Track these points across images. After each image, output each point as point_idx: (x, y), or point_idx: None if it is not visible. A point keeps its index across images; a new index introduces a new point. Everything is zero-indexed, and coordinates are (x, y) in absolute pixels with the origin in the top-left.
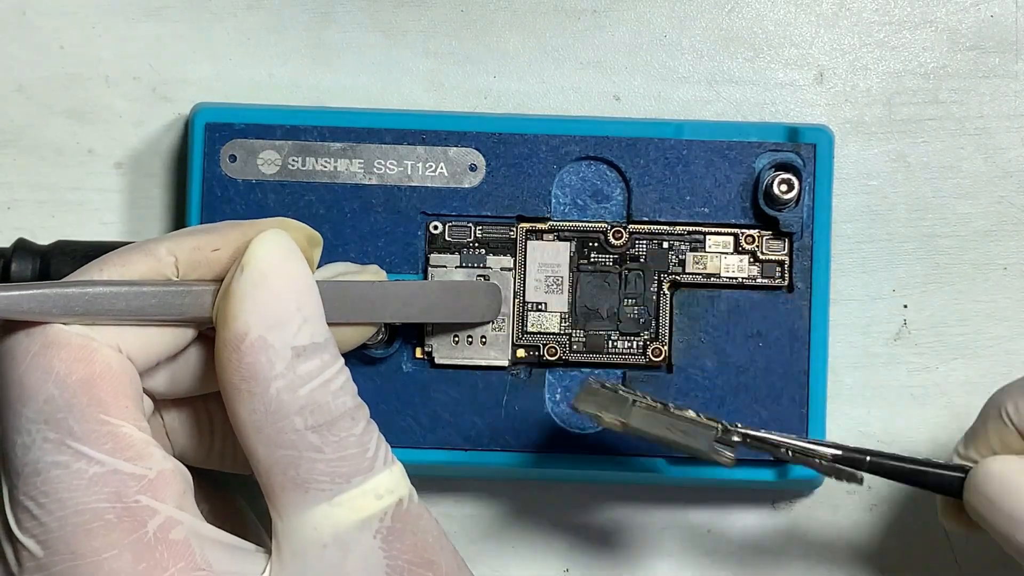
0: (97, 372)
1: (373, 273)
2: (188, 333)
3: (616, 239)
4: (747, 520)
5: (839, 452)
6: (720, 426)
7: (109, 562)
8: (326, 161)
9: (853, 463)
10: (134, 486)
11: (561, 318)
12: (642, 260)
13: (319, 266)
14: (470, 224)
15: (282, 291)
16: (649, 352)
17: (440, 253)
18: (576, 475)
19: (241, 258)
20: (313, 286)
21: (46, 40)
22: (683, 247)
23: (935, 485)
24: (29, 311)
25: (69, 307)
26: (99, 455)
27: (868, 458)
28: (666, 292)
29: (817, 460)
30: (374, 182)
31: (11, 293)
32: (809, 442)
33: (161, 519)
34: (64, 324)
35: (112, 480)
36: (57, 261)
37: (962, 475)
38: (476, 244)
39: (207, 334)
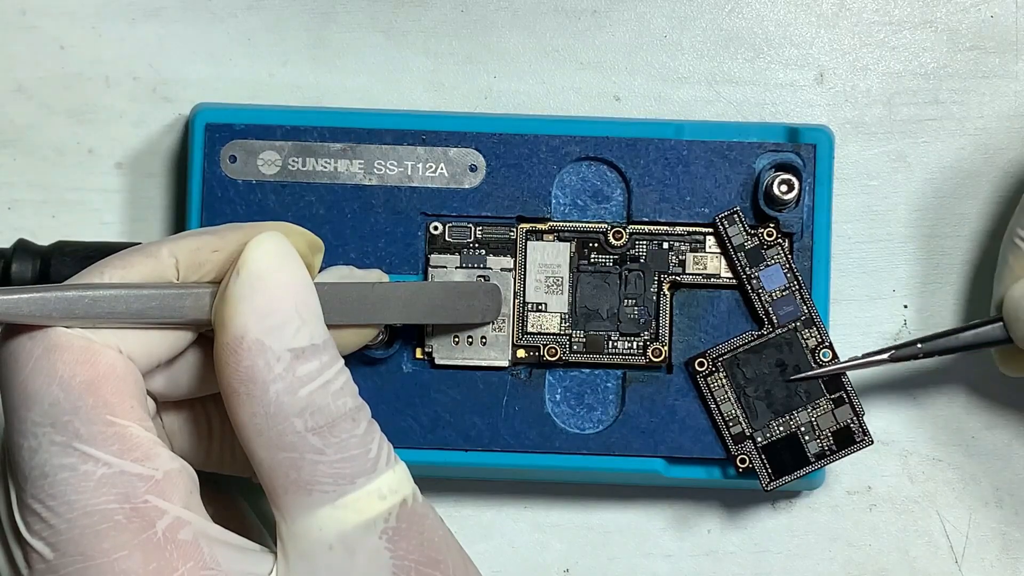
0: (101, 374)
1: (376, 278)
2: (188, 335)
3: (616, 239)
4: (747, 520)
5: (892, 351)
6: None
7: (119, 563)
8: (326, 162)
9: (909, 355)
10: (142, 487)
11: (561, 318)
12: (642, 260)
13: (321, 269)
14: (470, 224)
15: (278, 293)
16: (649, 352)
17: (440, 254)
18: (576, 475)
19: (237, 261)
20: (310, 287)
21: (46, 40)
22: (683, 247)
23: (983, 340)
24: (30, 314)
25: (70, 310)
26: (106, 456)
27: (920, 345)
28: (666, 292)
29: (877, 362)
30: (374, 183)
31: (12, 296)
32: (864, 356)
33: (169, 519)
34: (66, 327)
35: (120, 481)
36: (57, 262)
37: (1000, 318)
38: (476, 244)
39: (207, 335)
